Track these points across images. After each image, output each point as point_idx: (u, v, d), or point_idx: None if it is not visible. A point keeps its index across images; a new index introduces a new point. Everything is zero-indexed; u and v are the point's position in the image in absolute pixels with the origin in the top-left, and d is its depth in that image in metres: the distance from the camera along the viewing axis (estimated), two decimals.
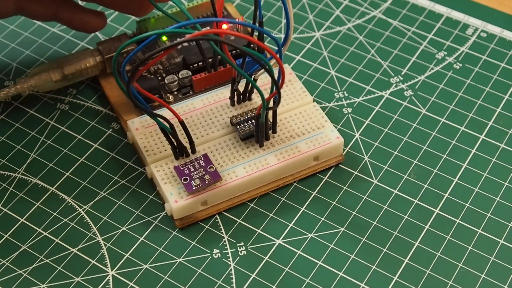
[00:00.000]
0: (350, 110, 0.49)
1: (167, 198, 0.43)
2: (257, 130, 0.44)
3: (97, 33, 0.53)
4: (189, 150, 0.44)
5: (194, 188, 0.43)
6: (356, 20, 0.54)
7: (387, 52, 0.52)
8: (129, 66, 0.47)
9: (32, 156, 0.47)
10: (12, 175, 0.47)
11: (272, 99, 0.43)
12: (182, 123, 0.43)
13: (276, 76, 0.41)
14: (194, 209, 0.44)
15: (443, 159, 0.47)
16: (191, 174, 0.43)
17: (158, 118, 0.42)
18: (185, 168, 0.44)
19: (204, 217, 0.44)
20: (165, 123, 0.42)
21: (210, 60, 0.48)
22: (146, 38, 0.38)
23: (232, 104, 0.47)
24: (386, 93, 0.50)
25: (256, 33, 0.46)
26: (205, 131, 0.46)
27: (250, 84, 0.46)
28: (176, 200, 0.43)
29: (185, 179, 0.43)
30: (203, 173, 0.43)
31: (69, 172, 0.47)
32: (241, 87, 0.46)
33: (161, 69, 0.49)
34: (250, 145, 0.45)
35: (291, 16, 0.41)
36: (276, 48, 0.41)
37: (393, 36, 0.53)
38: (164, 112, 0.42)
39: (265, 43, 0.48)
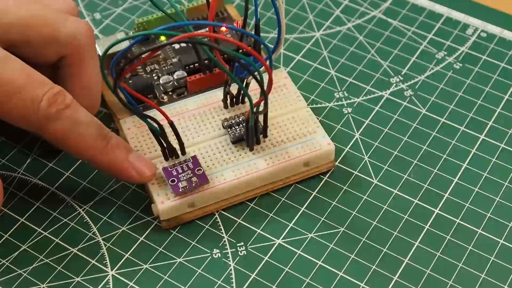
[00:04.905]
0: (350, 110, 0.49)
1: (154, 198, 0.43)
2: (247, 134, 0.44)
3: (96, 32, 0.53)
4: (179, 152, 0.44)
5: (181, 190, 0.43)
6: (356, 20, 0.54)
7: (387, 52, 0.52)
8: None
9: (32, 156, 0.47)
10: (12, 175, 0.46)
11: (262, 103, 0.42)
12: (171, 124, 0.43)
13: (266, 80, 0.40)
14: (181, 211, 0.44)
15: (443, 159, 0.47)
16: (179, 176, 0.43)
17: (147, 119, 0.42)
18: (173, 170, 0.43)
19: (191, 219, 0.44)
20: (154, 124, 0.42)
21: (205, 61, 0.48)
22: (133, 38, 0.38)
23: (225, 107, 0.47)
24: (386, 93, 0.50)
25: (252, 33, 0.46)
26: (196, 133, 0.46)
27: None
28: (162, 201, 0.43)
29: (173, 181, 0.43)
30: (191, 175, 0.43)
31: (69, 172, 0.46)
32: (234, 89, 0.46)
33: (157, 69, 0.49)
34: (241, 149, 0.45)
35: (283, 24, 0.41)
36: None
37: (393, 36, 0.53)
38: (156, 112, 0.42)
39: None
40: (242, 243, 0.44)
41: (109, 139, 0.42)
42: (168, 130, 0.43)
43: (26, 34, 0.42)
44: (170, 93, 0.48)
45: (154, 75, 0.49)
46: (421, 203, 0.45)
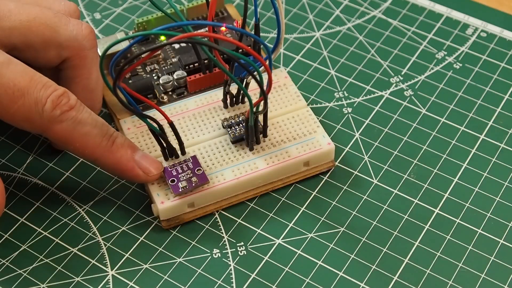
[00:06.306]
0: (350, 110, 0.49)
1: (154, 198, 0.43)
2: (247, 134, 0.44)
3: (96, 32, 0.53)
4: (179, 152, 0.44)
5: (180, 190, 0.43)
6: (356, 20, 0.54)
7: (387, 52, 0.52)
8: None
9: (32, 156, 0.47)
10: (12, 175, 0.47)
11: (262, 103, 0.42)
12: (171, 124, 0.43)
13: (266, 80, 0.40)
14: (180, 211, 0.44)
15: (443, 159, 0.47)
16: (179, 176, 0.43)
17: (147, 119, 0.42)
18: (173, 170, 0.43)
19: (191, 219, 0.44)
20: (154, 123, 0.42)
21: (205, 61, 0.48)
22: (132, 38, 0.38)
23: (225, 107, 0.47)
24: (386, 93, 0.50)
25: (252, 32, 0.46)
26: (196, 132, 0.46)
27: None
28: (162, 201, 0.43)
29: (172, 181, 0.43)
30: (191, 175, 0.43)
31: (69, 172, 0.47)
32: (234, 89, 0.46)
33: (157, 69, 0.49)
34: (240, 149, 0.45)
35: (282, 24, 0.41)
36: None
37: (393, 36, 0.53)
38: (156, 112, 0.42)
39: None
40: (242, 243, 0.44)
41: (114, 139, 0.42)
42: (168, 130, 0.43)
43: (27, 37, 0.42)
44: (170, 93, 0.48)
45: (154, 75, 0.49)
46: (421, 203, 0.45)
